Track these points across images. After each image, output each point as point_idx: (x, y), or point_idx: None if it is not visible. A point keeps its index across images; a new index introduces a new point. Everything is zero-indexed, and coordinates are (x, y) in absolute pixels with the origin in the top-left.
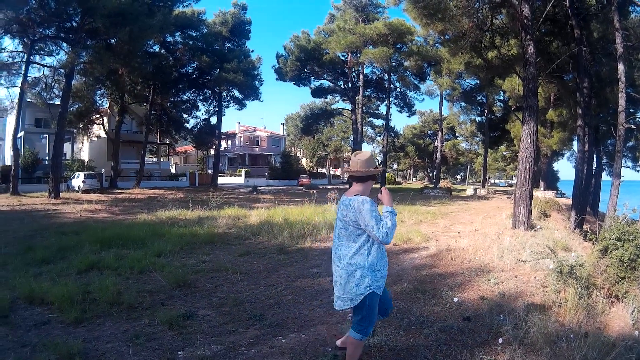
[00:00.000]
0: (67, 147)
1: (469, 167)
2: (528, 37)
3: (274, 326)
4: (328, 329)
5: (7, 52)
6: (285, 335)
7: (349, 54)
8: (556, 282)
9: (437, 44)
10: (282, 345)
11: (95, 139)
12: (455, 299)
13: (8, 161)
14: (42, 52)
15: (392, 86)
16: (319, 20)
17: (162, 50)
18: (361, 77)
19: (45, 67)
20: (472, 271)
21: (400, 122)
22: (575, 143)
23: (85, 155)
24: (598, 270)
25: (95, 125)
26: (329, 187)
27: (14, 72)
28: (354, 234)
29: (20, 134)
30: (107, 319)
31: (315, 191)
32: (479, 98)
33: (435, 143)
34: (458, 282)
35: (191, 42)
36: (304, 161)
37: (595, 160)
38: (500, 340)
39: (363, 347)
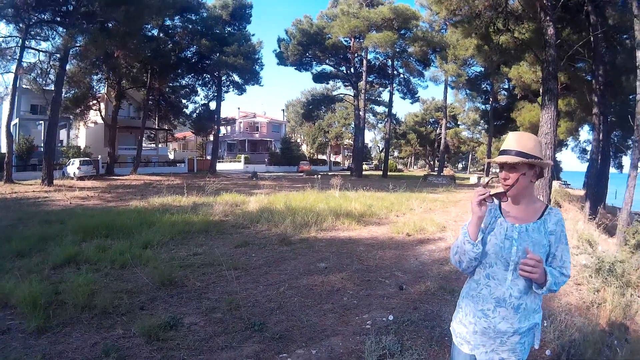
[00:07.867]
0: (63, 133)
1: (470, 155)
2: (547, 17)
3: (277, 339)
4: (344, 341)
5: (1, 36)
6: (291, 352)
7: (352, 39)
8: (595, 280)
9: (443, 30)
10: None
11: (92, 125)
12: None
13: (3, 148)
14: (38, 37)
15: (395, 72)
16: (323, 5)
17: (161, 34)
18: (364, 62)
19: (41, 52)
20: None
21: (401, 109)
22: (581, 132)
23: (82, 142)
24: (632, 266)
25: (92, 111)
26: (329, 173)
27: (9, 57)
28: None
29: (15, 120)
30: (75, 327)
31: (319, 176)
32: (483, 86)
33: (438, 130)
34: None
35: (190, 26)
36: (304, 148)
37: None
38: (547, 352)
39: None
